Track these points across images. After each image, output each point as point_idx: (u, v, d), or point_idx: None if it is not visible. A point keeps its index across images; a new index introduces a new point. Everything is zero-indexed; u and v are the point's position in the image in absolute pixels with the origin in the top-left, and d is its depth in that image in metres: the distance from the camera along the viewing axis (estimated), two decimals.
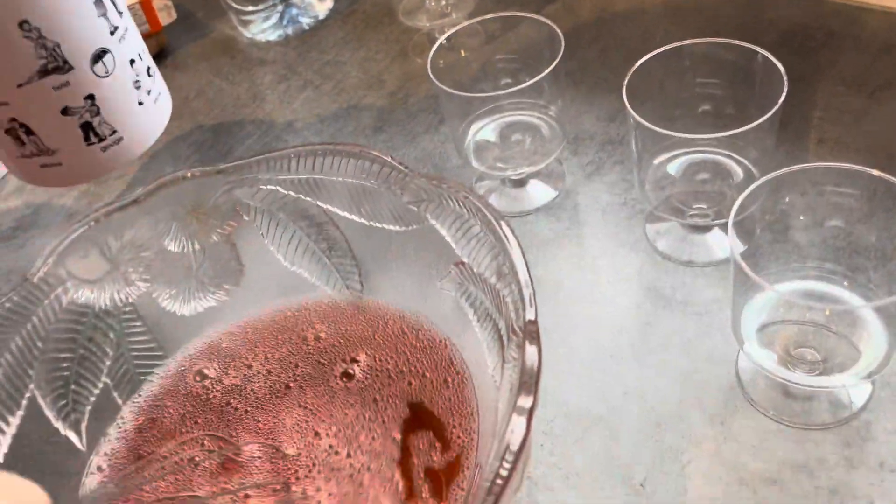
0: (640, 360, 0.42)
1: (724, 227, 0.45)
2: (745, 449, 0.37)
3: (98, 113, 0.48)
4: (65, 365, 0.40)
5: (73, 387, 0.41)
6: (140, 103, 0.50)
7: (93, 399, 0.42)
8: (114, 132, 0.49)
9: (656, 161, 0.45)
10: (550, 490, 0.38)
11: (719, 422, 0.39)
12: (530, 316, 0.30)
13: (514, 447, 0.27)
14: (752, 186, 0.36)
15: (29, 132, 0.48)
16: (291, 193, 0.42)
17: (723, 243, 0.46)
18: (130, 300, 0.43)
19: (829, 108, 0.51)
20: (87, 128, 0.48)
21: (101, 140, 0.49)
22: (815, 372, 0.37)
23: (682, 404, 0.40)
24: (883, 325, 0.35)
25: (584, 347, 0.43)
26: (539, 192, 0.53)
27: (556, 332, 0.44)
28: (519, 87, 0.46)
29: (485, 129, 0.52)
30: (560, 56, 0.47)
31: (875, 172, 0.35)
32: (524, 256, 0.32)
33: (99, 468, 0.40)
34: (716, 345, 0.42)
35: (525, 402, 0.28)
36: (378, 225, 0.41)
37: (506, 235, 0.33)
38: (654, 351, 0.42)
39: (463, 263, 0.37)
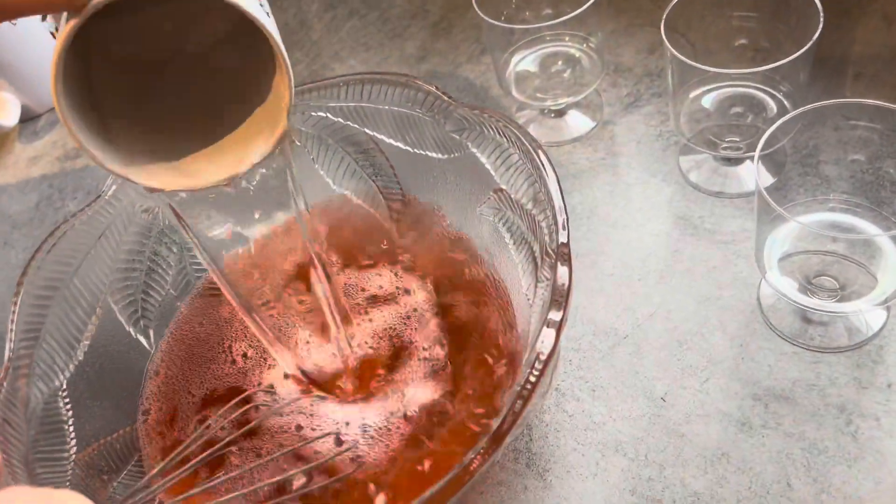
0: (666, 284, 0.44)
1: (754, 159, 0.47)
2: (761, 368, 0.40)
3: None
4: (134, 275, 0.44)
5: (141, 296, 0.45)
6: None
7: (158, 307, 0.46)
8: None
9: (691, 94, 0.46)
10: (577, 400, 0.41)
11: (738, 343, 0.41)
12: (563, 239, 0.33)
13: (544, 356, 0.30)
14: (779, 122, 0.37)
15: None
16: (340, 120, 0.45)
17: (753, 175, 0.47)
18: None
19: (869, 43, 0.51)
20: None
21: None
22: (834, 299, 0.39)
23: (705, 326, 0.42)
24: None
25: (615, 270, 0.46)
26: (577, 123, 0.54)
27: (588, 255, 0.47)
28: (562, 18, 0.47)
29: (526, 60, 0.54)
30: None
31: None
32: (559, 184, 0.34)
33: (156, 372, 0.44)
34: (740, 271, 0.44)
35: (555, 315, 0.31)
36: (421, 152, 0.43)
37: (542, 164, 0.35)
38: (680, 275, 0.44)
39: (501, 190, 0.39)
